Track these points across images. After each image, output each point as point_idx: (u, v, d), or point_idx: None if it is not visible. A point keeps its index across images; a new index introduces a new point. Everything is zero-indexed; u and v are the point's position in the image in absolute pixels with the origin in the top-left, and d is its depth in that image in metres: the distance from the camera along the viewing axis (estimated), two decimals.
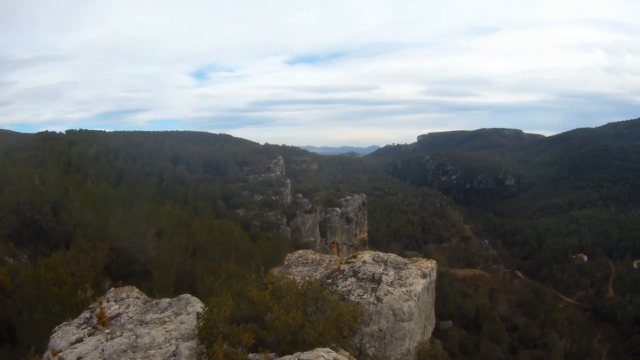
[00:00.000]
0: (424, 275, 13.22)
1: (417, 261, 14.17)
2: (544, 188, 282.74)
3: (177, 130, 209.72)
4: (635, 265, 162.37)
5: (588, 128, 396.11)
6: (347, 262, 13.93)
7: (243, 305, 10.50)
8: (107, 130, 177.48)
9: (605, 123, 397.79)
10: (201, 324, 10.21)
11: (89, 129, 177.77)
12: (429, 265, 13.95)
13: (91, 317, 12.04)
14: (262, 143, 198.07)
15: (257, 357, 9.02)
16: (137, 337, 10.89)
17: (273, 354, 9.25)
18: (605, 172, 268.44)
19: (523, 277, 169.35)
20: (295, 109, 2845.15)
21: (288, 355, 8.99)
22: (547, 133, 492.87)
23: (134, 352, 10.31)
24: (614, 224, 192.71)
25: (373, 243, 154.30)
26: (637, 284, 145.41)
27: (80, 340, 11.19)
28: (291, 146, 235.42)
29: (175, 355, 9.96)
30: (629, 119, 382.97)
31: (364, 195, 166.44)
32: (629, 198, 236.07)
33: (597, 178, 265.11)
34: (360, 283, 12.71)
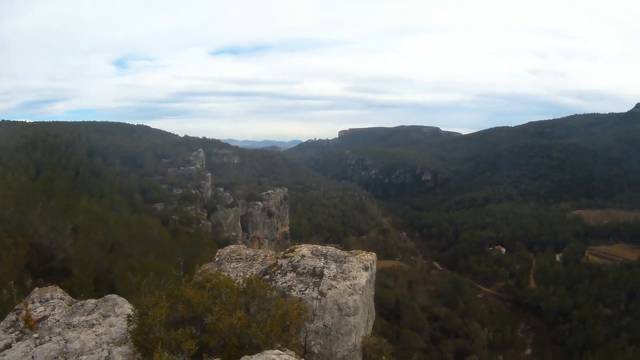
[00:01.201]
0: (366, 268, 12.81)
1: (357, 254, 13.77)
2: (460, 183, 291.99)
3: (95, 121, 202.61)
4: (557, 258, 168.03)
5: (507, 127, 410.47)
6: (284, 257, 13.29)
7: (179, 306, 9.62)
8: (27, 121, 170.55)
9: (526, 122, 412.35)
10: (133, 327, 9.34)
11: (10, 119, 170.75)
12: (370, 257, 13.61)
13: (17, 320, 11.08)
14: (181, 135, 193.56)
15: None
16: (66, 342, 10.04)
17: (218, 359, 8.47)
18: (525, 169, 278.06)
19: (441, 268, 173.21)
20: (217, 100, 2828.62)
21: None
22: (465, 131, 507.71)
23: (66, 359, 9.53)
24: (534, 218, 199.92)
25: (294, 236, 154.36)
26: (560, 276, 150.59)
27: (8, 346, 10.25)
28: (212, 139, 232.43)
29: None
30: (551, 118, 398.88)
31: (286, 189, 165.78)
32: (550, 194, 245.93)
33: (515, 174, 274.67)
34: (301, 278, 12.10)
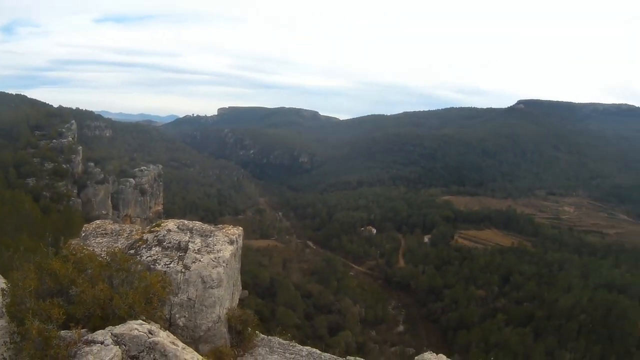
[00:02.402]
0: (231, 242, 13.16)
1: (223, 228, 14.08)
2: (336, 166, 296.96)
3: None
4: (425, 239, 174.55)
5: (383, 115, 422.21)
6: (150, 232, 13.32)
7: (47, 279, 9.85)
8: None
9: (402, 112, 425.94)
10: (8, 300, 9.52)
11: None
12: (236, 232, 13.95)
13: None
14: (56, 105, 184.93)
15: (68, 334, 8.50)
16: None
17: (85, 329, 8.80)
18: (398, 156, 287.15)
19: (314, 247, 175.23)
20: (97, 70, 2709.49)
21: (100, 330, 8.57)
22: (343, 117, 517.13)
23: None
24: (404, 201, 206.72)
25: (169, 216, 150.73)
26: (428, 256, 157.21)
27: None
28: (85, 110, 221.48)
29: None
30: (426, 110, 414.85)
31: (160, 167, 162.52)
32: (420, 180, 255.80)
33: (388, 160, 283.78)
34: (166, 252, 12.22)
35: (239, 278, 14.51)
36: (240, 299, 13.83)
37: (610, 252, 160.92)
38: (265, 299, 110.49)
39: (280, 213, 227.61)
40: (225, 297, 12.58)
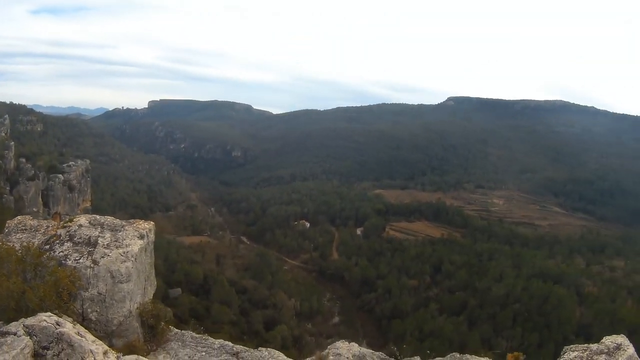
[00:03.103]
0: (141, 236, 13.38)
1: (134, 223, 14.21)
2: (269, 161, 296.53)
3: None
4: (358, 232, 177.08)
5: (316, 110, 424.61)
6: (63, 227, 13.54)
7: None
8: None
9: (335, 107, 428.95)
10: None
11: None
12: (146, 226, 14.11)
13: None
14: None
15: None
16: None
17: (0, 322, 9.14)
18: (330, 150, 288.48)
19: (248, 242, 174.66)
20: (30, 62, 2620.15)
21: (14, 322, 8.93)
22: (277, 111, 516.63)
23: None
24: (336, 195, 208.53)
25: (97, 213, 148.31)
26: (361, 248, 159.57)
27: None
28: (19, 104, 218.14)
29: None
30: (359, 105, 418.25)
31: (88, 162, 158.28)
32: (352, 174, 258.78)
33: (321, 155, 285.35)
34: (76, 247, 12.47)
35: (153, 272, 14.69)
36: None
37: (543, 243, 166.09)
38: (199, 296, 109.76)
39: (212, 208, 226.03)
40: (136, 291, 12.88)
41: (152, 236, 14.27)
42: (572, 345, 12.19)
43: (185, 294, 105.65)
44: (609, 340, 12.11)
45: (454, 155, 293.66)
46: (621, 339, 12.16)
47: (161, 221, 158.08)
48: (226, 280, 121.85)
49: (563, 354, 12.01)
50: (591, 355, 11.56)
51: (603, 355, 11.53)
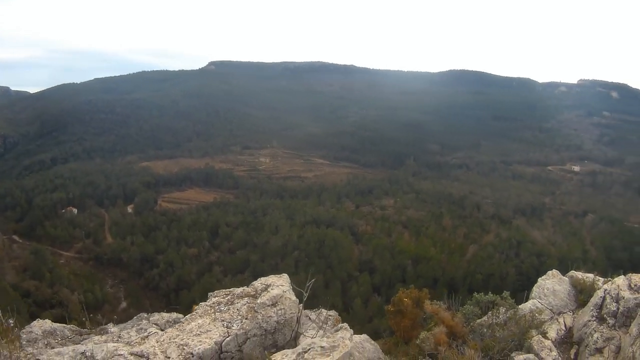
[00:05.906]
0: None
1: None
2: (29, 146, 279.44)
3: None
4: (129, 209, 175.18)
5: (73, 83, 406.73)
6: None
7: None
8: None
9: (92, 78, 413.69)
10: None
11: None
12: None
13: None
14: None
15: None
16: None
17: None
18: (89, 126, 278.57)
19: (21, 241, 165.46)
20: None
21: None
22: (34, 90, 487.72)
23: None
24: (101, 174, 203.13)
25: None
26: (134, 227, 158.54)
27: None
28: None
29: None
30: (117, 75, 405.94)
31: None
32: (115, 148, 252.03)
33: (80, 132, 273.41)
34: None
35: None
36: None
37: (311, 193, 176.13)
38: None
39: None
40: None
41: None
42: (215, 291, 13.38)
43: None
44: (258, 282, 13.58)
45: (218, 119, 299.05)
46: (272, 279, 13.73)
47: None
48: (8, 285, 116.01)
49: (208, 300, 12.94)
50: (233, 299, 12.75)
51: (246, 298, 12.75)
